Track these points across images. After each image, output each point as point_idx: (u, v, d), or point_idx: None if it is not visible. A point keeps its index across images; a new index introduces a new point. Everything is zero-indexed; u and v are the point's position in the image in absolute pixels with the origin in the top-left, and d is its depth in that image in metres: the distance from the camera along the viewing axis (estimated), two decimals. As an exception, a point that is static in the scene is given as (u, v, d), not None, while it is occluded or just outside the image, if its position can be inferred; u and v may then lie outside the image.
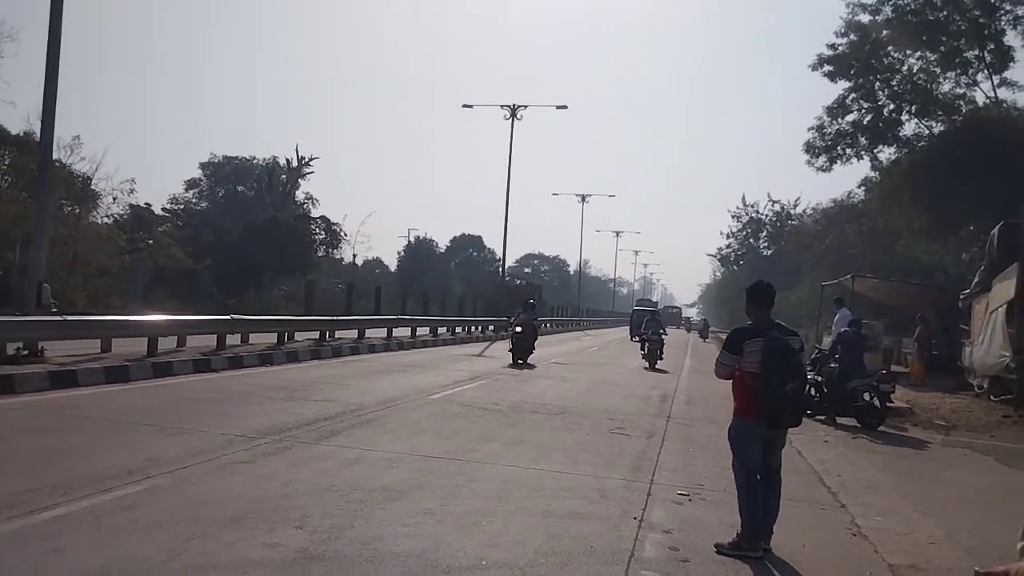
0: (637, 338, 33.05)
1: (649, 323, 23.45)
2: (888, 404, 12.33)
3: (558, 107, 40.11)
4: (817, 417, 12.46)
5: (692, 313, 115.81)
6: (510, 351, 20.62)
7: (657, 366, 21.89)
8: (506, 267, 47.12)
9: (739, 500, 5.46)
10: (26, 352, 11.56)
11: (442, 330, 30.54)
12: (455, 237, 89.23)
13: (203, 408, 9.92)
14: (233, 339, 17.16)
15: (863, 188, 36.91)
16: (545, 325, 50.68)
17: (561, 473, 7.55)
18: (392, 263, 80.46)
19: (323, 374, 14.80)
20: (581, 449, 8.94)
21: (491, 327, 36.40)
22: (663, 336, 22.86)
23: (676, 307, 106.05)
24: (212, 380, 12.81)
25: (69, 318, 12.33)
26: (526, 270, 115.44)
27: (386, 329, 24.72)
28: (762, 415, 5.37)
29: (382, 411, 10.67)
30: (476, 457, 8.02)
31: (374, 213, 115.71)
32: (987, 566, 1.78)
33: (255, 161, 65.47)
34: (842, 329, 13.06)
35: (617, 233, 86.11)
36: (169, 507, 5.50)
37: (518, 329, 20.47)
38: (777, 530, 6.00)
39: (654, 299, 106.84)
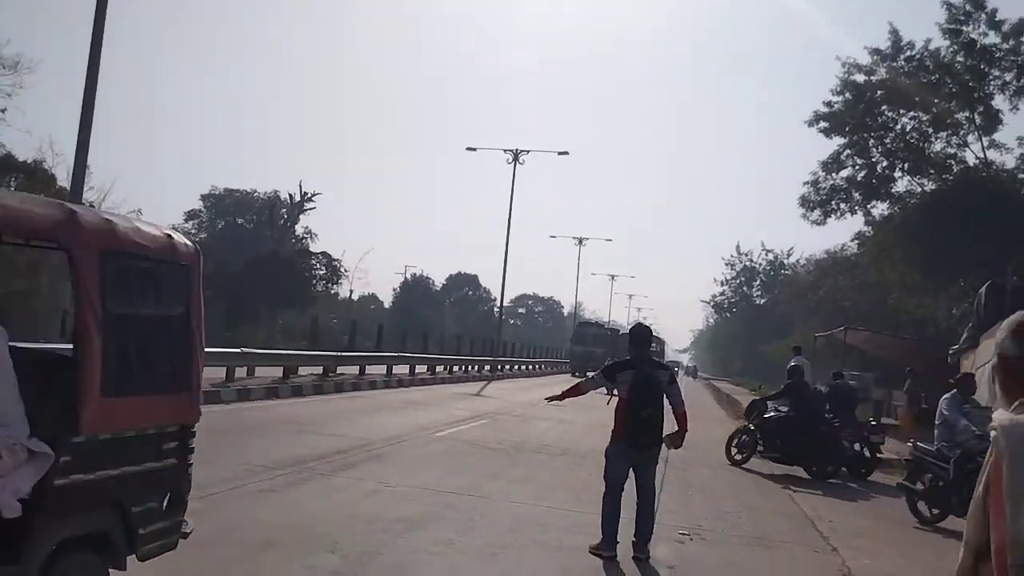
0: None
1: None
2: (878, 455, 12.75)
3: (559, 153, 40.97)
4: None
5: (685, 359, 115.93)
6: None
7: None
8: (502, 307, 47.57)
9: (602, 508, 6.32)
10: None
11: (439, 368, 30.93)
12: (451, 275, 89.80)
13: (220, 439, 10.24)
14: (239, 372, 17.50)
15: (856, 242, 37.62)
16: (542, 367, 51.12)
17: (568, 511, 7.96)
18: (387, 299, 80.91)
19: (329, 409, 15.17)
20: (584, 488, 9.30)
21: (487, 367, 36.78)
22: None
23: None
24: (224, 412, 13.15)
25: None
26: (520, 310, 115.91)
27: (386, 366, 25.09)
28: (626, 436, 6.26)
29: (391, 447, 11.05)
30: (486, 493, 8.42)
31: (372, 250, 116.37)
32: None
33: (255, 194, 66.20)
34: (835, 382, 13.51)
35: (612, 276, 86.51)
36: (207, 529, 5.84)
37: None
38: (774, 569, 6.43)
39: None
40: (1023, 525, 1.95)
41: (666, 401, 6.47)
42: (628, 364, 6.48)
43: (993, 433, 2.08)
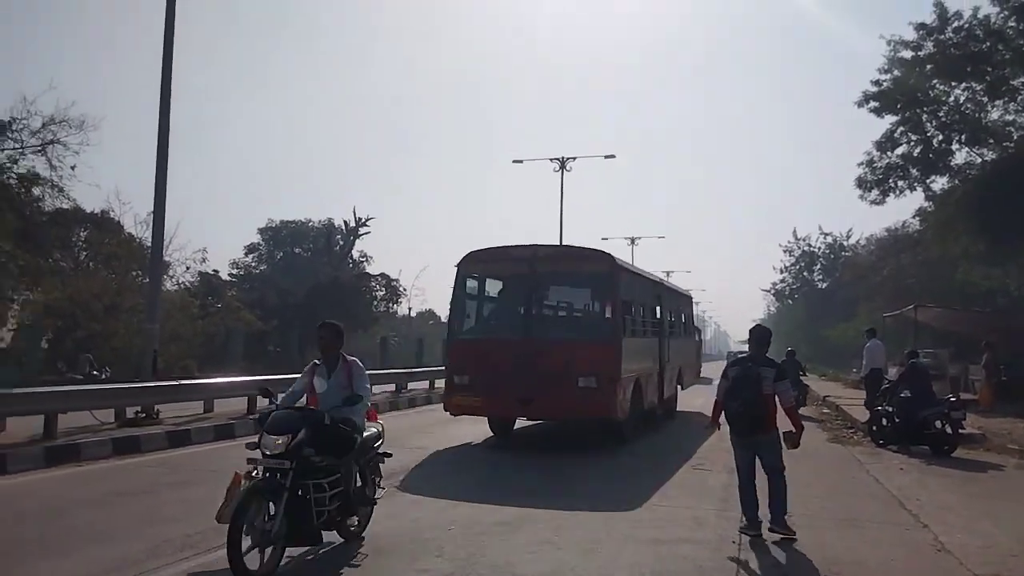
0: None
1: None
2: (960, 431, 12.57)
3: (606, 157, 41.00)
4: (890, 446, 12.80)
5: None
6: None
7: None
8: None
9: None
10: (143, 415, 12.58)
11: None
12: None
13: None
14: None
15: (918, 218, 36.82)
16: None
17: (656, 506, 8.15)
18: (443, 313, 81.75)
19: (407, 423, 15.58)
20: (669, 484, 9.50)
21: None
22: None
23: None
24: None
25: (183, 383, 13.39)
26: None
27: (454, 379, 25.54)
28: (729, 425, 6.94)
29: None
30: (572, 492, 8.65)
31: (428, 267, 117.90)
32: None
33: (310, 223, 67.64)
34: (911, 361, 13.37)
35: (668, 273, 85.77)
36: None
37: None
38: (867, 548, 6.57)
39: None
40: None
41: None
42: (737, 361, 7.10)
43: None
